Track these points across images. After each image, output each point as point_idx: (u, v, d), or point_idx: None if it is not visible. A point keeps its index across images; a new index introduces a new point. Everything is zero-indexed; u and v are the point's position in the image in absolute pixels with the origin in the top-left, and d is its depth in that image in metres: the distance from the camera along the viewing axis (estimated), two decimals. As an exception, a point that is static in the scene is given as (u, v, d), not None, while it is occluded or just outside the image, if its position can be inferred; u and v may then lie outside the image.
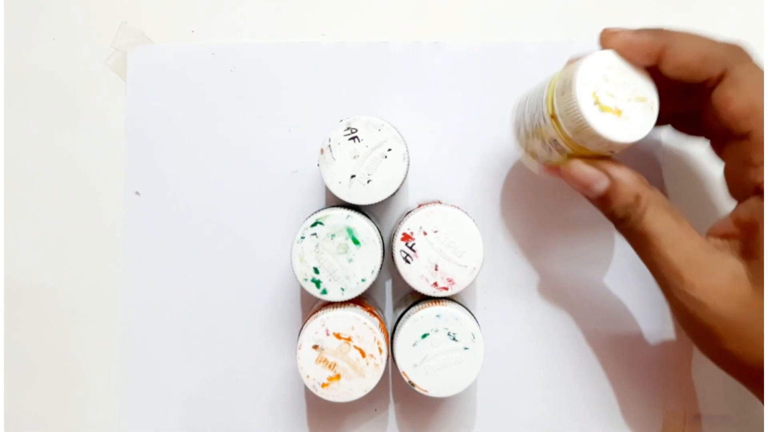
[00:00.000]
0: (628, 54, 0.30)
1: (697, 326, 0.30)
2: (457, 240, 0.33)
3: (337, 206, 0.35)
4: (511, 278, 0.39)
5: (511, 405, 0.39)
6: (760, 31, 0.39)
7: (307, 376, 0.33)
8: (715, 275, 0.29)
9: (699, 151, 0.39)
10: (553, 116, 0.31)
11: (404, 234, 0.34)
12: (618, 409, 0.39)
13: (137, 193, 0.40)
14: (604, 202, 0.32)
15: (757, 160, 0.29)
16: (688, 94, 0.31)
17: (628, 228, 0.32)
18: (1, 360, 0.40)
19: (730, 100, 0.29)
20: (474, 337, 0.33)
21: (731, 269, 0.29)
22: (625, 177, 0.31)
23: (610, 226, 0.39)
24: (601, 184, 0.31)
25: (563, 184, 0.40)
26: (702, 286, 0.29)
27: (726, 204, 0.39)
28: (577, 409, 0.39)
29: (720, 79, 0.29)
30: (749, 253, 0.29)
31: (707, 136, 0.34)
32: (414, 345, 0.33)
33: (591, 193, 0.32)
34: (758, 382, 0.29)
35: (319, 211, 0.35)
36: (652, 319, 0.39)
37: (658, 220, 0.30)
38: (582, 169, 0.32)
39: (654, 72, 0.30)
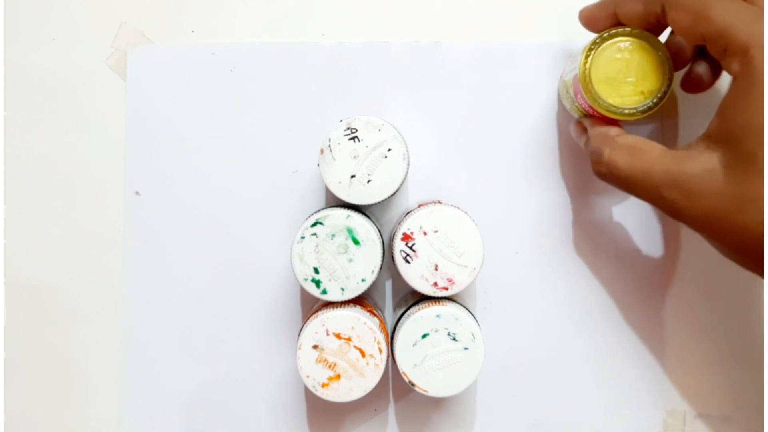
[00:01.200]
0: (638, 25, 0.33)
1: (694, 226, 0.31)
2: (457, 240, 0.33)
3: (337, 206, 0.35)
4: (511, 278, 0.39)
5: (511, 405, 0.39)
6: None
7: (307, 376, 0.33)
8: (691, 180, 0.30)
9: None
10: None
11: (404, 234, 0.34)
12: (618, 409, 0.39)
13: (137, 193, 0.40)
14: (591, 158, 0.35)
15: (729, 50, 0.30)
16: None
17: (607, 179, 0.33)
18: (1, 360, 0.40)
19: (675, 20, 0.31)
20: (474, 337, 0.33)
21: (702, 166, 0.30)
22: (592, 132, 0.35)
23: (610, 226, 0.39)
24: (582, 143, 0.36)
25: (562, 183, 0.40)
26: (684, 196, 0.30)
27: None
28: (577, 410, 0.39)
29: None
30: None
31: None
32: (414, 345, 0.33)
33: (583, 147, 0.37)
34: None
35: (319, 211, 0.35)
36: (653, 319, 0.39)
37: (624, 161, 0.32)
38: (571, 129, 0.38)
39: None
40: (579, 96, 0.35)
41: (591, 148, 0.34)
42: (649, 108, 0.33)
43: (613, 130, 0.34)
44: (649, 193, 0.31)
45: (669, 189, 0.30)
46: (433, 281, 0.34)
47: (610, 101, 0.34)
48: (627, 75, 0.34)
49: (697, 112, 0.39)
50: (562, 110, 0.39)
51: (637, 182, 0.31)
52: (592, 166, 0.34)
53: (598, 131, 0.34)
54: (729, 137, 0.29)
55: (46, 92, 0.40)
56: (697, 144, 0.31)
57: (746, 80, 0.29)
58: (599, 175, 0.34)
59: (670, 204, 0.31)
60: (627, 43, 0.33)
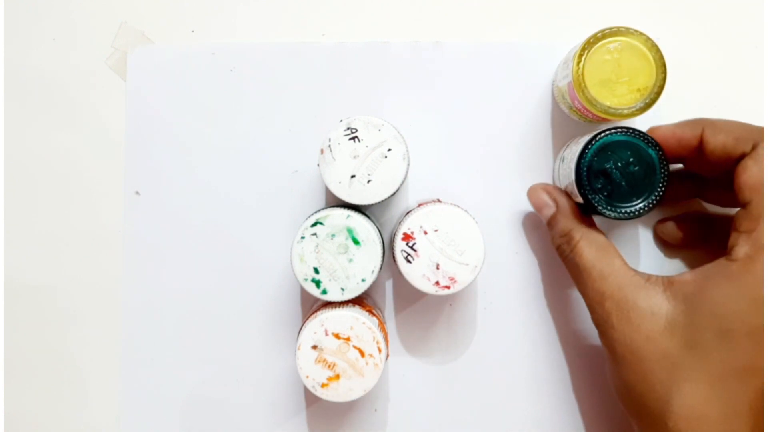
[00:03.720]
0: (672, 144, 0.33)
1: (609, 348, 0.32)
2: (458, 238, 0.33)
3: (337, 206, 0.35)
4: (511, 278, 0.39)
5: (511, 404, 0.39)
6: (760, 30, 0.40)
7: (307, 377, 0.33)
8: (634, 309, 0.31)
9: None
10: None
11: (405, 234, 0.34)
12: (619, 409, 0.39)
13: (137, 193, 0.40)
14: (549, 229, 0.36)
15: (744, 227, 0.30)
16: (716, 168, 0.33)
17: (565, 257, 0.35)
18: (1, 360, 0.40)
19: (745, 170, 0.30)
20: None
21: (650, 304, 0.31)
22: (565, 209, 0.35)
23: (611, 225, 0.39)
24: (547, 211, 0.36)
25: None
26: (620, 317, 0.31)
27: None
28: (577, 409, 0.39)
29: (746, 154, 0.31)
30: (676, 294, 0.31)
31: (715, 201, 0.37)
32: None
33: (541, 216, 0.36)
34: (650, 424, 0.31)
35: (319, 211, 0.35)
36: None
37: (589, 253, 0.33)
38: (538, 192, 0.36)
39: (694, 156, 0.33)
40: (576, 101, 0.35)
41: (561, 225, 0.35)
42: (647, 105, 0.34)
43: (588, 220, 0.35)
44: (594, 294, 0.32)
45: (613, 303, 0.31)
46: (435, 280, 0.34)
47: (608, 103, 0.34)
48: (620, 75, 0.34)
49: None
50: (560, 111, 0.39)
51: (592, 279, 0.32)
52: (554, 238, 0.35)
53: (571, 216, 0.35)
54: (694, 314, 0.30)
55: (46, 92, 0.40)
56: (658, 282, 0.31)
57: (747, 270, 0.29)
58: (560, 250, 0.35)
59: (604, 314, 0.32)
60: (616, 44, 0.34)
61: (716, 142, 0.32)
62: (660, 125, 0.34)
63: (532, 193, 0.37)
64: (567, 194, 0.36)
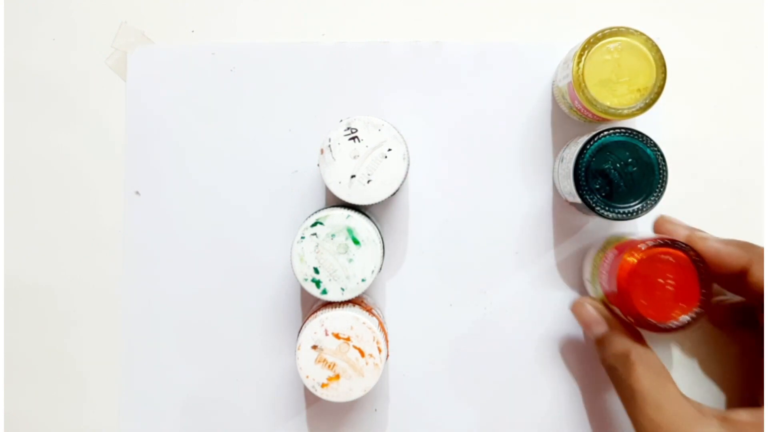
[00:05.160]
0: (716, 262, 0.32)
1: None
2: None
3: (337, 206, 0.35)
4: (511, 278, 0.39)
5: (511, 403, 0.39)
6: (760, 30, 0.39)
7: (307, 377, 0.33)
8: None
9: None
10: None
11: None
12: (621, 410, 0.39)
13: (137, 193, 0.40)
14: (599, 346, 0.34)
15: None
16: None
17: (617, 378, 0.33)
18: (1, 361, 0.40)
19: None
20: None
21: None
22: (619, 327, 0.33)
23: (611, 227, 0.39)
24: (599, 329, 0.34)
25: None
26: None
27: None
28: (578, 411, 0.39)
29: None
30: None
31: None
32: None
33: (590, 334, 0.35)
34: None
35: (319, 211, 0.35)
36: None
37: (646, 379, 0.32)
38: (587, 308, 0.35)
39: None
40: (576, 101, 0.35)
41: (616, 345, 0.33)
42: (647, 105, 0.34)
43: (641, 339, 0.34)
44: (649, 423, 0.31)
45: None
46: None
47: (608, 103, 0.34)
48: (620, 75, 0.34)
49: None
50: (560, 111, 0.39)
51: (647, 407, 0.31)
52: (606, 358, 0.34)
53: (626, 335, 0.33)
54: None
55: (46, 92, 0.40)
56: (712, 416, 0.30)
57: None
58: (611, 370, 0.34)
59: None
60: (616, 44, 0.34)
61: (762, 281, 0.31)
62: (707, 237, 0.33)
63: (578, 308, 0.35)
64: (614, 311, 0.34)
